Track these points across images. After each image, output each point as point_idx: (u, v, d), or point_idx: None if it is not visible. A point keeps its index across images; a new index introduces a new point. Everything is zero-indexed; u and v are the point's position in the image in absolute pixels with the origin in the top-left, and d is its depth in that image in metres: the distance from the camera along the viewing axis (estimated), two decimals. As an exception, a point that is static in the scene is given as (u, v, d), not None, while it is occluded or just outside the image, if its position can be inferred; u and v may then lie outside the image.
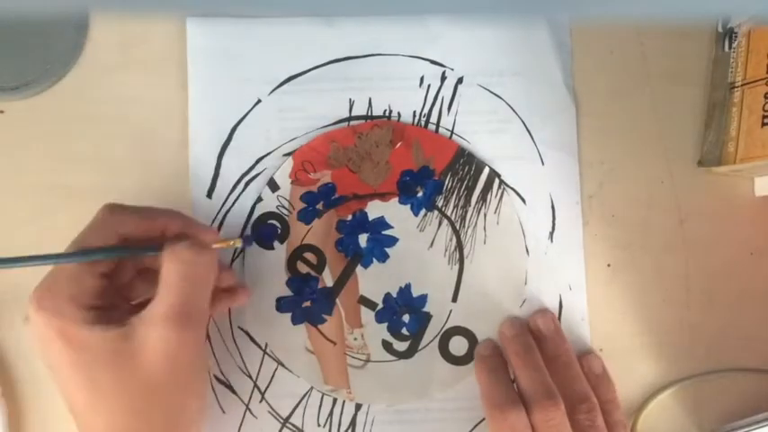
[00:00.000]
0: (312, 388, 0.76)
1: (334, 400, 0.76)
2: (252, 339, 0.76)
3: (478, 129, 0.78)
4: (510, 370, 0.74)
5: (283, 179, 0.76)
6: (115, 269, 0.66)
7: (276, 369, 0.76)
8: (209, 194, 0.76)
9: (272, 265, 0.76)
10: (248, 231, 0.76)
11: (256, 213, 0.76)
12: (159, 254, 0.64)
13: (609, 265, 0.77)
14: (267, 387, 0.76)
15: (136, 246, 0.65)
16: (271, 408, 0.76)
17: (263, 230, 0.76)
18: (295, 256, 0.76)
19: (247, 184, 0.77)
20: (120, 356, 0.60)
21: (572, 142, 0.78)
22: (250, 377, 0.76)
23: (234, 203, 0.76)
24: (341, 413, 0.76)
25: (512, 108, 0.78)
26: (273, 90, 0.77)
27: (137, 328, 0.61)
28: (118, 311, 0.64)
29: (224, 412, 0.75)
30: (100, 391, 0.60)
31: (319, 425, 0.76)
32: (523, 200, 0.77)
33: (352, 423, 0.76)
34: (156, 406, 0.61)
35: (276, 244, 0.76)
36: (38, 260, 0.62)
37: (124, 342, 0.60)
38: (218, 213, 0.76)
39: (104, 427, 0.61)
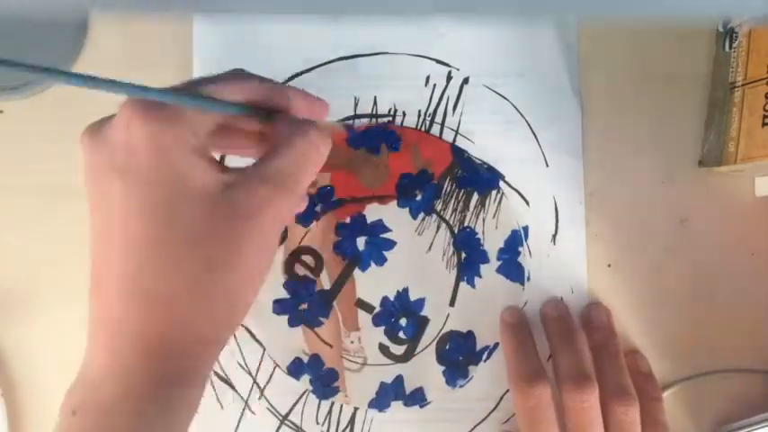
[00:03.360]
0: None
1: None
2: (252, 336, 0.76)
3: (483, 129, 0.77)
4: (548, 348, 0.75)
5: (284, 184, 0.76)
6: (219, 138, 0.59)
7: (276, 366, 0.76)
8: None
9: (269, 267, 0.76)
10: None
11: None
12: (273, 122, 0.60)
13: (609, 266, 0.77)
14: (266, 384, 0.76)
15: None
16: (270, 405, 0.76)
17: None
18: (292, 259, 0.76)
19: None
20: (215, 203, 0.53)
21: (577, 145, 0.77)
22: (249, 374, 0.76)
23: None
24: (340, 411, 0.76)
25: (517, 109, 0.77)
26: (278, 87, 0.77)
27: (239, 180, 0.54)
28: (218, 164, 0.55)
29: (222, 408, 0.76)
30: (175, 230, 0.52)
31: (318, 423, 0.76)
32: (527, 201, 0.77)
33: (351, 422, 0.76)
34: (231, 268, 0.54)
35: (274, 246, 0.76)
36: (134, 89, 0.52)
37: (226, 189, 0.54)
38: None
39: (169, 273, 0.53)
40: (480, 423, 0.76)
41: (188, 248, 0.53)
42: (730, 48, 0.75)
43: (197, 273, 0.53)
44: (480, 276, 0.76)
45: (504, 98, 0.77)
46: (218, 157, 0.67)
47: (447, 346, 0.76)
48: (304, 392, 0.76)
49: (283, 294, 0.76)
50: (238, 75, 0.59)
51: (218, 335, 0.57)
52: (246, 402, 0.76)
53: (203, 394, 0.57)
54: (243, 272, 0.55)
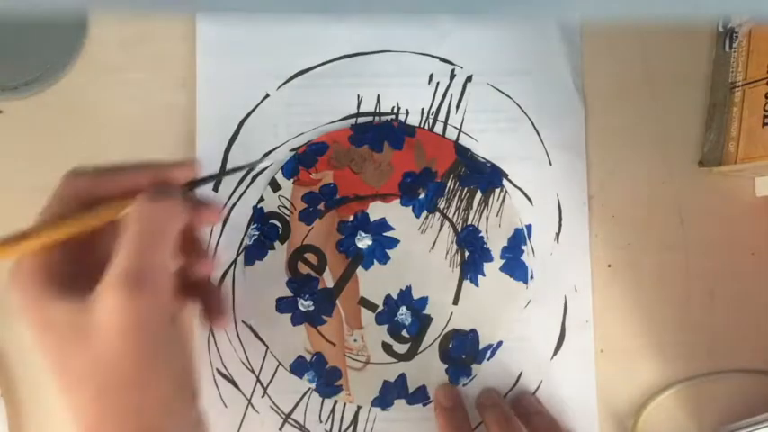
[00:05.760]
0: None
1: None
2: (255, 334, 0.76)
3: (487, 127, 0.78)
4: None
5: (285, 179, 0.76)
6: (92, 236, 0.58)
7: (279, 365, 0.76)
8: (216, 188, 0.76)
9: (272, 265, 0.76)
10: (251, 231, 0.76)
11: (257, 213, 0.76)
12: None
13: (609, 266, 0.77)
14: (269, 382, 0.76)
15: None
16: (273, 403, 0.76)
17: (265, 231, 0.76)
18: (296, 257, 0.76)
19: (254, 178, 0.77)
20: (81, 332, 0.52)
21: (580, 143, 0.78)
22: (252, 372, 0.76)
23: (240, 198, 0.76)
24: (343, 410, 0.76)
25: (520, 108, 0.78)
26: (282, 85, 0.77)
27: (96, 298, 0.52)
28: (78, 293, 0.54)
29: (226, 406, 0.76)
30: (69, 373, 0.54)
31: (321, 421, 0.76)
32: (530, 200, 0.77)
33: (354, 420, 0.76)
34: (112, 395, 0.53)
35: (277, 244, 0.76)
36: None
37: (86, 315, 0.52)
38: (224, 207, 0.76)
39: (73, 417, 0.54)
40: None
41: (76, 391, 0.54)
42: (730, 48, 0.76)
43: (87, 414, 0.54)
44: (484, 275, 0.77)
45: (508, 96, 0.77)
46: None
47: (450, 345, 0.76)
48: (307, 391, 0.76)
49: (286, 292, 0.76)
50: (67, 181, 0.60)
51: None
52: (249, 401, 0.76)
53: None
54: (135, 396, 0.54)
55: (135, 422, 0.54)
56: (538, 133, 0.77)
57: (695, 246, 0.78)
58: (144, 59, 0.77)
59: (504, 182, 0.77)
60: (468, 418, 0.74)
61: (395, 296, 0.76)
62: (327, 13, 0.74)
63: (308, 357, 0.76)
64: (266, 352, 0.76)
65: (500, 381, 0.77)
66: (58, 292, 0.54)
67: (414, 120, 0.77)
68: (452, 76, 0.78)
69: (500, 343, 0.76)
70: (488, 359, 0.77)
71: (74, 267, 0.56)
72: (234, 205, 0.76)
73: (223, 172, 0.68)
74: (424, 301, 0.76)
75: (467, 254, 0.77)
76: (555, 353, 0.77)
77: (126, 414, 0.53)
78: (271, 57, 0.77)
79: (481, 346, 0.77)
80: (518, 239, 0.77)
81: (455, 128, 0.77)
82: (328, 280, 0.76)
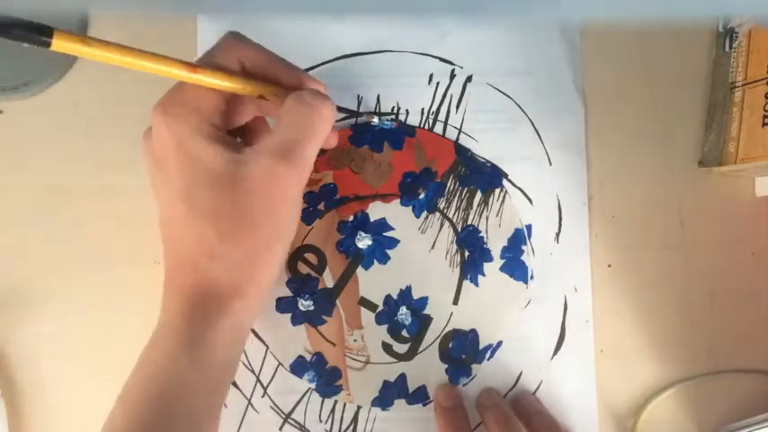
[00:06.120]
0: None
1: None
2: (255, 335, 0.76)
3: (487, 128, 0.78)
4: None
5: (284, 179, 0.76)
6: (234, 107, 0.67)
7: (279, 364, 0.76)
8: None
9: (272, 265, 0.76)
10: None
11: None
12: (279, 99, 0.65)
13: (609, 266, 0.77)
14: (269, 382, 0.76)
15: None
16: (273, 403, 0.76)
17: None
18: (295, 257, 0.76)
19: (254, 178, 0.76)
20: (226, 180, 0.61)
21: (580, 143, 0.78)
22: (252, 372, 0.76)
23: (239, 198, 0.76)
24: (343, 410, 0.76)
25: (521, 108, 0.78)
26: (282, 84, 0.77)
27: (248, 157, 0.61)
28: (231, 144, 0.63)
29: (226, 406, 0.75)
30: (197, 206, 0.61)
31: (321, 421, 0.76)
32: (530, 200, 0.77)
33: (354, 420, 0.76)
34: (243, 235, 0.62)
35: (277, 244, 0.76)
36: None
37: (234, 166, 0.61)
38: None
39: (194, 241, 0.62)
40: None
41: (205, 223, 0.61)
42: (730, 48, 0.76)
43: (213, 242, 0.61)
44: (484, 275, 0.76)
45: (508, 96, 0.77)
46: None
47: (450, 345, 0.76)
48: (307, 391, 0.76)
49: (286, 292, 0.76)
50: (234, 41, 0.65)
51: (239, 288, 0.63)
52: (249, 400, 0.76)
53: (238, 341, 0.67)
54: (255, 239, 0.62)
55: (257, 256, 0.63)
56: (538, 133, 0.77)
57: (695, 246, 0.78)
58: (144, 60, 0.77)
59: (504, 182, 0.77)
60: (468, 418, 0.74)
61: (395, 296, 0.76)
62: (327, 13, 0.75)
63: (308, 357, 0.76)
64: (266, 352, 0.76)
65: (500, 381, 0.77)
66: (212, 135, 0.62)
67: (414, 120, 0.77)
68: (452, 76, 0.78)
69: (500, 343, 0.76)
70: (488, 359, 0.76)
71: (222, 126, 0.64)
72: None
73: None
74: (424, 301, 0.76)
75: (467, 254, 0.77)
76: (555, 353, 0.77)
77: (250, 248, 0.63)
78: (270, 58, 0.77)
79: (481, 346, 0.76)
80: (518, 239, 0.77)
81: (455, 128, 0.77)
82: (328, 280, 0.76)
